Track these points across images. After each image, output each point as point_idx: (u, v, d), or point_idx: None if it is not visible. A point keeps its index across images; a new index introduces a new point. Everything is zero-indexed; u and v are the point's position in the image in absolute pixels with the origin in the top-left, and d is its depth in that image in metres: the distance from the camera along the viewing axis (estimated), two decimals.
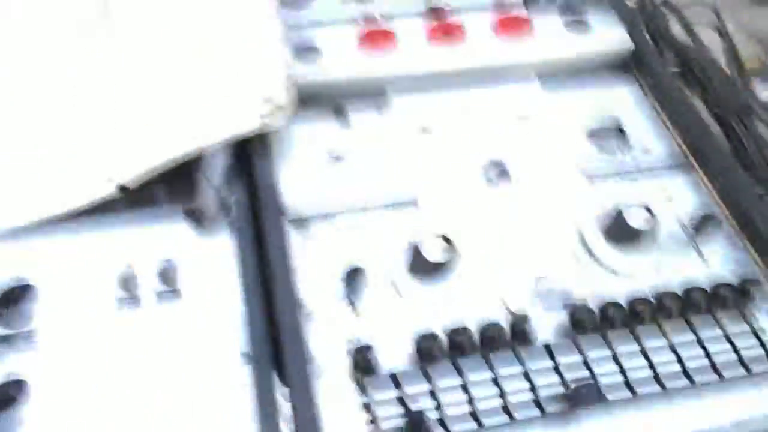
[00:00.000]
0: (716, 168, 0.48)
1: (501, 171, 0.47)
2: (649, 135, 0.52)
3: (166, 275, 0.44)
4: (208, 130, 0.45)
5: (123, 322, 0.41)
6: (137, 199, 0.46)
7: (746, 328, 0.42)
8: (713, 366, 0.41)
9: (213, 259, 0.45)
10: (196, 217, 0.46)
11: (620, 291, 0.43)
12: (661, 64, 0.55)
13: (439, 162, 0.48)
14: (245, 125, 0.44)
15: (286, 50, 0.48)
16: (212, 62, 0.48)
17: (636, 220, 0.43)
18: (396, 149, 0.49)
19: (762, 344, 0.42)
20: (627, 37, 0.56)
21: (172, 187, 0.48)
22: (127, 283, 0.43)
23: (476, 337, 0.40)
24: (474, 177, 0.48)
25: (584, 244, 0.45)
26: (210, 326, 0.42)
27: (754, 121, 0.58)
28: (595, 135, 0.52)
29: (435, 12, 0.56)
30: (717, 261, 0.45)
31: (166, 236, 0.46)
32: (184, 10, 0.51)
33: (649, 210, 0.44)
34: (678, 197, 0.48)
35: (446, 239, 0.41)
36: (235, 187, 0.46)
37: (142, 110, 0.47)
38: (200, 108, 0.46)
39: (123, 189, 0.45)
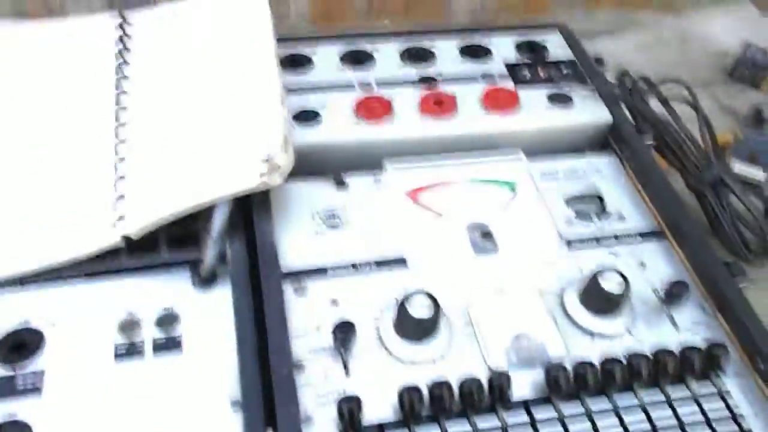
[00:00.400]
0: (686, 237, 0.52)
1: (486, 234, 0.50)
2: (625, 204, 0.55)
3: (166, 323, 0.46)
4: (210, 187, 0.48)
5: (123, 368, 0.43)
6: (140, 248, 0.49)
7: (713, 390, 0.45)
8: (681, 426, 0.43)
9: (211, 309, 0.47)
10: (197, 268, 0.48)
11: (595, 351, 0.46)
12: (637, 138, 0.58)
13: (428, 225, 0.51)
14: (245, 183, 0.47)
15: (286, 112, 0.51)
16: (215, 123, 0.51)
17: (610, 284, 0.46)
18: (388, 211, 0.52)
19: (728, 406, 0.44)
20: (606, 111, 0.60)
21: (174, 239, 0.50)
22: (128, 331, 0.45)
23: (456, 391, 0.42)
24: (460, 240, 0.51)
25: (562, 305, 0.48)
26: (205, 374, 0.44)
27: (727, 194, 0.61)
28: (574, 203, 0.55)
29: (427, 82, 0.60)
30: (687, 325, 0.48)
31: (167, 286, 0.48)
32: (191, 72, 0.55)
33: (622, 275, 0.46)
34: (651, 263, 0.51)
35: (431, 297, 0.44)
36: (234, 240, 0.49)
37: (148, 167, 0.50)
38: (204, 166, 0.49)
39: (127, 239, 0.48)
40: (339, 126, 0.56)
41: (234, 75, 0.55)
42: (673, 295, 0.47)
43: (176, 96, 0.54)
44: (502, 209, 0.53)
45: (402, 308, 0.43)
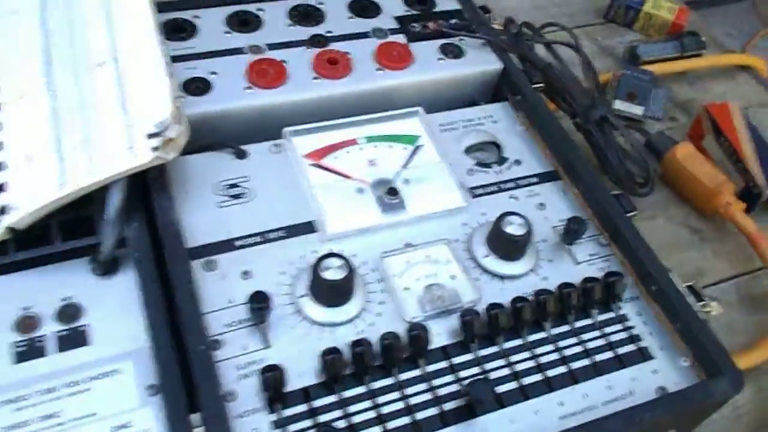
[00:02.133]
0: (579, 175, 0.54)
1: (391, 191, 0.51)
2: (521, 149, 0.57)
3: (67, 316, 0.44)
4: (99, 167, 0.45)
5: (24, 370, 0.41)
6: (33, 240, 0.46)
7: (613, 315, 0.48)
8: (586, 352, 0.46)
9: (116, 296, 0.45)
10: (96, 256, 0.46)
11: (505, 293, 0.48)
12: (526, 83, 0.60)
13: (333, 187, 0.51)
14: (137, 160, 0.45)
15: (174, 82, 0.49)
16: (98, 99, 0.48)
17: (513, 228, 0.48)
18: (291, 177, 0.51)
19: (626, 329, 0.48)
20: (496, 59, 0.61)
21: (68, 226, 0.47)
22: (25, 328, 0.43)
23: (377, 347, 0.43)
24: (366, 198, 0.51)
25: (470, 252, 0.49)
26: (117, 363, 0.42)
27: (611, 131, 0.65)
28: (473, 151, 0.56)
29: (317, 41, 0.59)
30: (585, 257, 0.51)
31: (64, 277, 0.45)
32: (66, 46, 0.51)
33: (524, 218, 0.48)
34: (549, 203, 0.54)
35: (343, 258, 0.44)
36: (133, 221, 0.46)
37: (30, 152, 0.47)
38: (90, 145, 0.46)
39: (14, 232, 0.44)
40: (232, 93, 0.54)
41: (112, 47, 0.51)
42: (571, 231, 0.50)
43: (53, 73, 0.50)
44: (405, 164, 0.53)
45: (315, 272, 0.43)
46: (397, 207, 0.50)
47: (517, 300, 0.46)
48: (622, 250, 0.51)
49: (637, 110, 0.78)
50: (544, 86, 0.64)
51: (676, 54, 0.84)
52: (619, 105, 0.78)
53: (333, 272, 0.43)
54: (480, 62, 0.61)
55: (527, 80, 0.61)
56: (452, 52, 0.61)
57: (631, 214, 0.53)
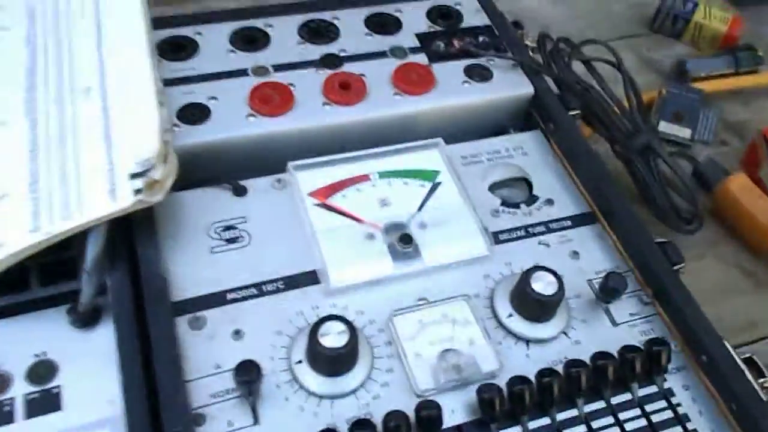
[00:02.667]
0: (619, 219, 0.48)
1: (404, 237, 0.45)
2: (553, 185, 0.51)
3: (39, 375, 0.39)
4: (74, 211, 0.40)
5: None
6: (6, 286, 0.42)
7: (656, 389, 0.42)
8: None
9: (94, 352, 0.40)
10: (73, 307, 0.41)
11: (530, 360, 0.42)
12: (560, 109, 0.54)
13: (340, 231, 0.45)
14: (116, 204, 0.40)
15: (164, 112, 0.44)
16: (77, 132, 0.43)
17: (541, 286, 0.42)
18: (294, 219, 0.46)
19: (671, 406, 0.41)
20: (528, 82, 0.55)
21: (47, 270, 0.43)
22: None
23: (380, 428, 0.37)
24: (376, 245, 0.45)
25: (492, 310, 0.43)
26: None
27: (655, 159, 0.58)
28: (499, 188, 0.50)
29: (330, 61, 0.54)
30: (624, 317, 0.45)
31: (38, 329, 0.41)
32: (44, 71, 0.47)
33: (554, 273, 0.42)
34: (584, 252, 0.47)
35: (345, 321, 0.38)
36: (116, 268, 0.42)
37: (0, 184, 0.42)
38: (66, 183, 0.41)
39: None
40: (232, 121, 0.49)
41: (101, 70, 0.46)
42: (609, 289, 0.43)
43: (35, 99, 0.46)
44: (421, 206, 0.47)
45: (312, 338, 0.38)
46: (411, 256, 0.45)
47: (544, 373, 0.40)
48: (667, 311, 0.45)
49: (683, 133, 0.71)
50: (581, 112, 0.58)
51: (729, 70, 0.76)
52: (664, 127, 0.71)
53: (332, 339, 0.38)
54: (510, 86, 0.55)
55: (562, 106, 0.54)
56: (479, 74, 0.55)
57: (679, 267, 0.46)
